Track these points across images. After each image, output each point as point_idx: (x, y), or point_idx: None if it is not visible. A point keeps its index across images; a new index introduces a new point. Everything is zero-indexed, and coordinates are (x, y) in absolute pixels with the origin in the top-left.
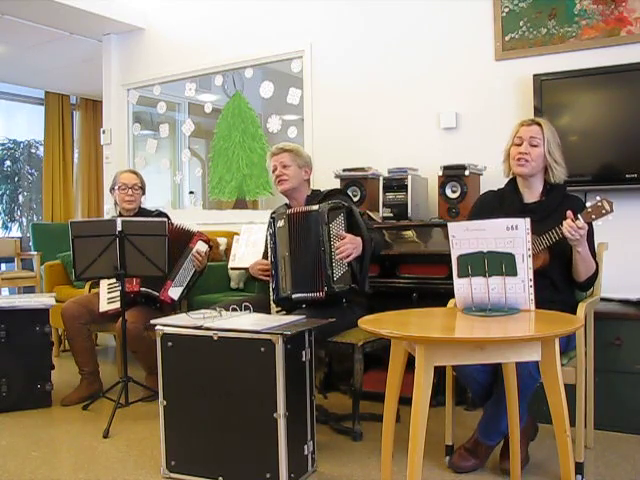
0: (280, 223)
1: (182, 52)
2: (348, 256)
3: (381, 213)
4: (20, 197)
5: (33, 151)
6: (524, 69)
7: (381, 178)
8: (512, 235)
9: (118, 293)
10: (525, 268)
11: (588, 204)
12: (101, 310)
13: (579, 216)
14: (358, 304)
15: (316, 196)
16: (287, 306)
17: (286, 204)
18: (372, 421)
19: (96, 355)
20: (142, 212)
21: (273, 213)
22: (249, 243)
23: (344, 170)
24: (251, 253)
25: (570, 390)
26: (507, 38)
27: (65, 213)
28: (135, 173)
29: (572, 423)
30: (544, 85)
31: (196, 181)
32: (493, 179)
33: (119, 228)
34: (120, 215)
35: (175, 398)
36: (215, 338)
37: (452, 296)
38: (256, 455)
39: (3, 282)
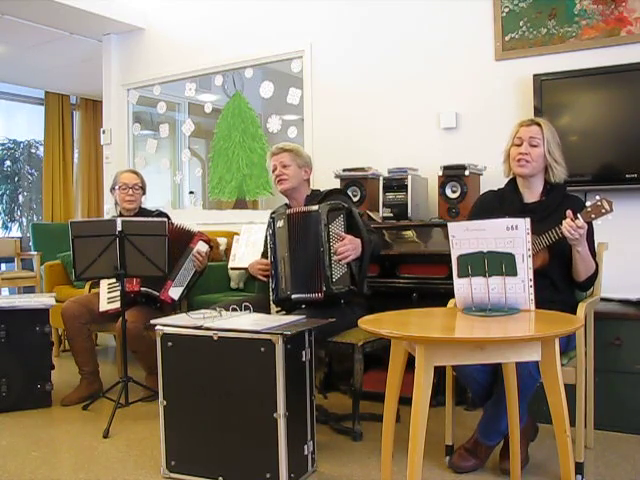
0: (280, 223)
1: (182, 52)
2: (347, 257)
3: (381, 213)
4: (20, 197)
5: (33, 151)
6: (524, 69)
7: (381, 178)
8: (512, 235)
9: (118, 293)
10: (525, 268)
11: (588, 204)
12: (101, 310)
13: (578, 215)
14: (358, 304)
15: (316, 196)
16: (287, 306)
17: (286, 204)
18: (372, 421)
19: (96, 355)
20: (142, 212)
21: (273, 213)
22: (249, 243)
23: (344, 170)
24: (251, 253)
25: (570, 390)
26: (507, 38)
27: (65, 213)
28: (136, 173)
29: (572, 423)
30: (544, 85)
31: (196, 181)
32: (493, 179)
33: (119, 228)
34: (120, 215)
35: (175, 398)
36: (215, 338)
37: (452, 296)
38: (256, 455)
39: (3, 282)
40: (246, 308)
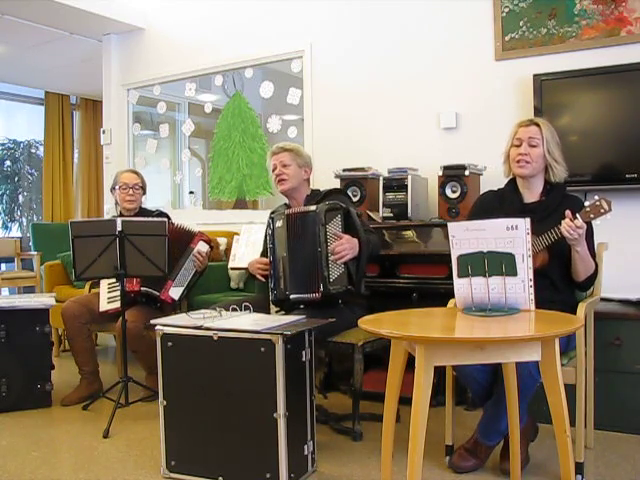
0: (279, 223)
1: (182, 52)
2: (344, 257)
3: (381, 213)
4: (20, 197)
5: (33, 151)
6: (524, 69)
7: (381, 178)
8: (512, 235)
9: (118, 293)
10: (525, 268)
11: (586, 203)
12: (101, 309)
13: (577, 215)
14: (357, 304)
15: (315, 196)
16: (285, 306)
17: (285, 204)
18: (372, 421)
19: (96, 355)
20: (143, 212)
21: (272, 212)
22: (249, 243)
23: (344, 170)
24: (251, 253)
25: (570, 390)
26: (507, 38)
27: (65, 213)
28: (136, 173)
29: (572, 423)
30: (544, 85)
31: (196, 181)
32: (493, 179)
33: (119, 228)
34: (121, 215)
35: (175, 398)
36: (215, 338)
37: (452, 296)
38: (256, 455)
39: (3, 282)
40: (246, 308)
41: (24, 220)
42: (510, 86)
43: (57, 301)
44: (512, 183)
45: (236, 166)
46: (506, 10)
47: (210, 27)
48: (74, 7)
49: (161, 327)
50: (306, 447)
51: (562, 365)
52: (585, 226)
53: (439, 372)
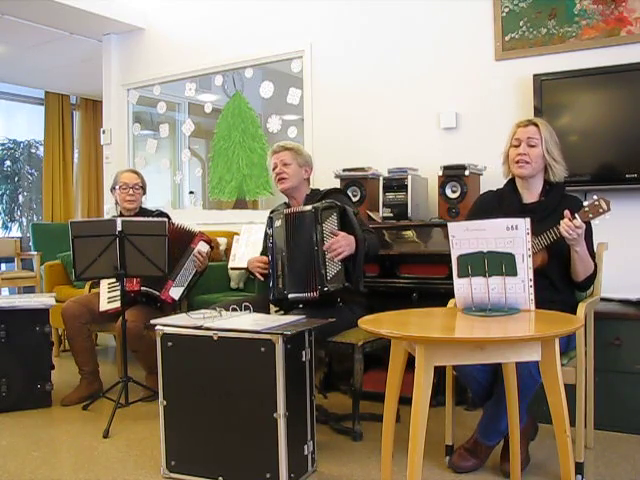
0: (277, 222)
1: (182, 52)
2: (340, 254)
3: (381, 213)
4: (20, 197)
5: (33, 151)
6: (524, 69)
7: (381, 178)
8: (512, 235)
9: (118, 292)
10: (525, 268)
11: (585, 203)
12: (101, 309)
13: (576, 215)
14: (357, 304)
15: (315, 195)
16: (284, 306)
17: (285, 203)
18: (372, 421)
19: (96, 355)
20: (143, 212)
21: (272, 212)
22: (249, 243)
23: (344, 170)
24: (251, 253)
25: (570, 390)
26: (507, 38)
27: (65, 213)
28: (136, 173)
29: (572, 423)
30: (544, 85)
31: (196, 181)
32: (493, 179)
33: (119, 228)
34: (121, 215)
35: (175, 398)
36: (215, 338)
37: (452, 296)
38: (256, 455)
39: (3, 282)
40: (246, 308)
41: (24, 220)
42: (510, 86)
43: (57, 301)
44: (511, 183)
45: (236, 166)
46: (506, 10)
47: (210, 27)
48: (74, 7)
49: (161, 327)
50: (306, 447)
51: (562, 365)
52: (584, 226)
53: (439, 372)
